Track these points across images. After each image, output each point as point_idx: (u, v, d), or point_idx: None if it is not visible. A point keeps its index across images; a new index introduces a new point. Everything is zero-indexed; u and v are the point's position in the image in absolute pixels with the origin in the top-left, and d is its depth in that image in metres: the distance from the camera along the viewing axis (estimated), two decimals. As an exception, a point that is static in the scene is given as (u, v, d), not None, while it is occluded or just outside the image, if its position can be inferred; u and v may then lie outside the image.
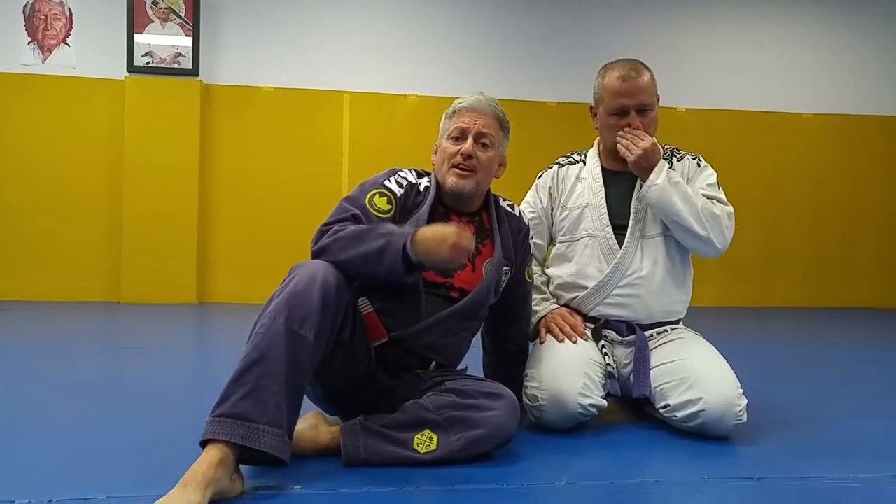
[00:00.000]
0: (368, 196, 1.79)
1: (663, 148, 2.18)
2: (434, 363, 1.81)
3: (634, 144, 2.05)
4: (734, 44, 6.12)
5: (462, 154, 1.82)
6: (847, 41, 6.24)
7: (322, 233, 1.71)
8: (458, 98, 1.93)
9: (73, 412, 2.11)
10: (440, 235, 1.61)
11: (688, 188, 2.07)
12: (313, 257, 1.69)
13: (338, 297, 1.56)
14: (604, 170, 2.20)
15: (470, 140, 1.83)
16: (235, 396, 1.41)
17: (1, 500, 1.36)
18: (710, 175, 2.17)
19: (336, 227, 1.70)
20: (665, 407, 1.94)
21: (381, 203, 1.79)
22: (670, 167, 2.12)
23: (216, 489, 1.34)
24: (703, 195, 2.09)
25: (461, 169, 1.83)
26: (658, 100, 2.17)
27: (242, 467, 1.44)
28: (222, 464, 1.36)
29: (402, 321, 1.74)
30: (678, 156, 2.19)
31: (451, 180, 1.84)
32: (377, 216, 1.77)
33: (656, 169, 2.04)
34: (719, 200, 2.12)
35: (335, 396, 1.77)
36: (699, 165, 2.18)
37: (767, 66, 6.14)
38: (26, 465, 1.59)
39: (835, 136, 6.19)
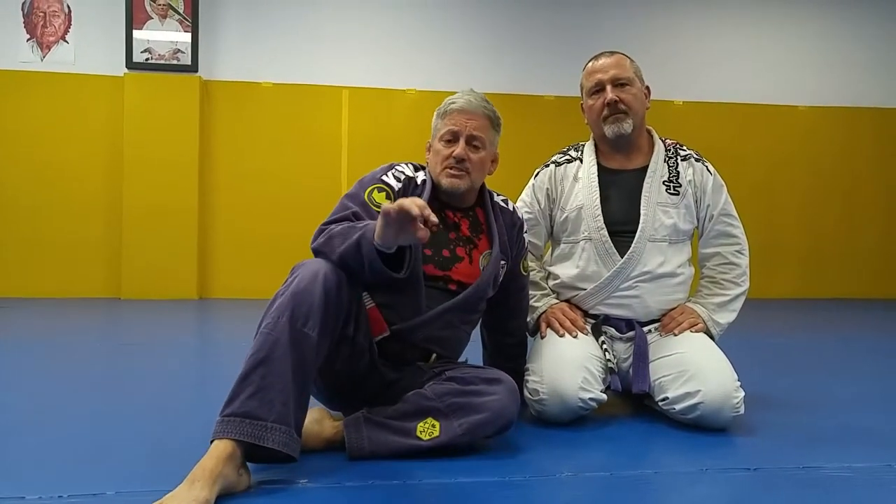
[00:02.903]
0: (367, 191, 1.81)
1: (665, 144, 2.19)
2: (435, 355, 1.84)
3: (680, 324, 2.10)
4: (731, 37, 6.13)
5: (454, 157, 1.84)
6: (843, 34, 6.25)
7: (320, 232, 1.71)
8: (452, 94, 1.93)
9: (78, 408, 2.13)
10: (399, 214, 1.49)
11: (724, 306, 2.15)
12: (314, 256, 1.70)
13: (339, 294, 1.58)
14: (602, 168, 2.17)
15: (462, 143, 1.85)
16: (243, 395, 1.43)
17: (12, 495, 1.38)
18: (727, 199, 2.19)
19: (333, 226, 1.70)
20: (664, 399, 1.96)
21: (381, 198, 1.79)
22: (675, 166, 2.12)
23: (223, 485, 1.36)
24: (720, 230, 2.17)
25: (454, 170, 1.85)
26: (644, 84, 2.17)
27: (248, 462, 1.46)
28: (230, 459, 1.38)
29: (403, 315, 1.76)
30: (683, 154, 2.17)
31: (445, 181, 1.86)
32: (377, 211, 1.77)
33: (710, 325, 2.12)
34: (734, 237, 2.18)
35: (338, 392, 1.79)
36: (710, 173, 2.17)
37: (764, 59, 6.15)
38: (35, 461, 1.61)
39: (830, 128, 6.22)
